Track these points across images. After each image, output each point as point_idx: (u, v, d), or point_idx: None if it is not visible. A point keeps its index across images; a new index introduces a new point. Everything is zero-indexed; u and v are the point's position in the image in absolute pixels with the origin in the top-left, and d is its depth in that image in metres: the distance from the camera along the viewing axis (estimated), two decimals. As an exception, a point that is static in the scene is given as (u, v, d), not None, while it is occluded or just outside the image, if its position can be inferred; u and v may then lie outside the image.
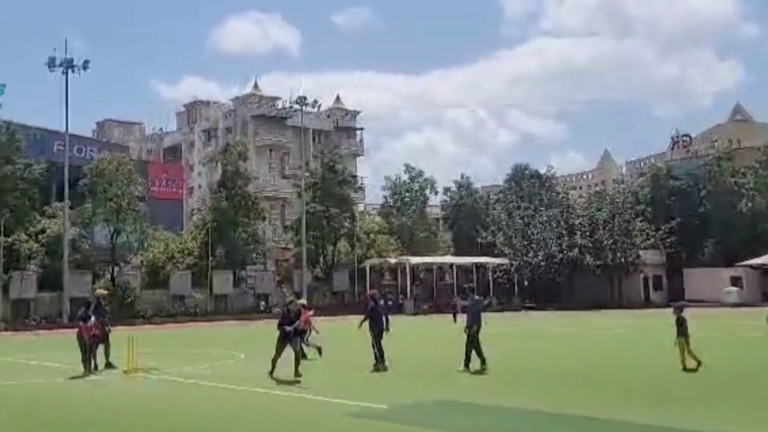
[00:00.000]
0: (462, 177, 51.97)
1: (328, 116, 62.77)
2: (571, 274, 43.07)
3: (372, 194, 59.35)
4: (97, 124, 72.87)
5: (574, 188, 75.19)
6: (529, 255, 42.87)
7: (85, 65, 32.86)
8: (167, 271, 37.23)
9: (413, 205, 48.00)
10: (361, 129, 65.20)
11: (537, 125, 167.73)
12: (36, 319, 31.27)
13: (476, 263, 43.74)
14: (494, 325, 21.25)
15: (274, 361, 11.92)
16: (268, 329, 16.57)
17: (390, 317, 16.87)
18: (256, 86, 60.94)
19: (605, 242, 41.87)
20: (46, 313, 31.82)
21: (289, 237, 46.70)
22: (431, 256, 45.32)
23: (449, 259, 45.15)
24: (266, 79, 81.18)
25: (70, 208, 33.95)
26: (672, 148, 71.61)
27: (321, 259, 43.51)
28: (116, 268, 35.90)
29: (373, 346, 12.99)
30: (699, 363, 11.70)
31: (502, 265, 43.85)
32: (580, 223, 43.33)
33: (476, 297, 13.27)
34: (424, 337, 21.84)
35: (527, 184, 49.46)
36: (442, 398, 9.73)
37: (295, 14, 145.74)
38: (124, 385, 11.89)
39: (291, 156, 58.10)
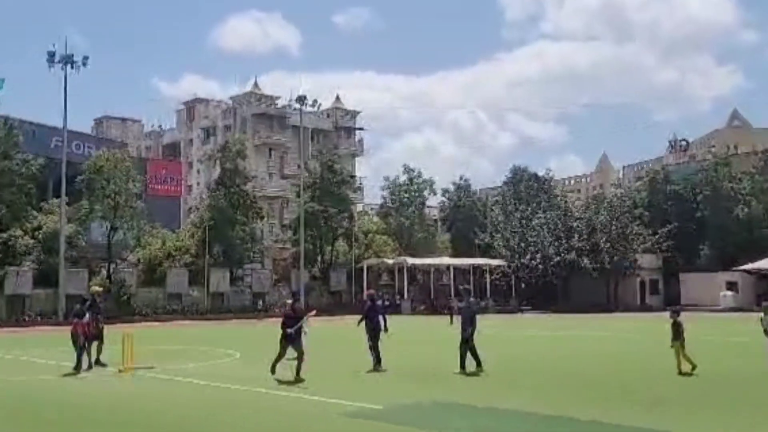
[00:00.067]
0: (460, 179, 52.08)
1: (328, 116, 62.78)
2: (568, 276, 43.13)
3: (372, 195, 59.40)
4: (96, 120, 72.71)
5: (573, 191, 75.36)
6: (527, 257, 42.92)
7: (85, 61, 32.77)
8: (164, 268, 37.16)
9: (411, 206, 48.01)
10: (361, 129, 65.28)
11: (537, 128, 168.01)
12: (31, 316, 31.17)
13: (474, 265, 43.75)
14: (491, 327, 21.26)
15: (275, 362, 11.81)
16: (264, 328, 16.56)
17: (387, 318, 16.85)
18: (255, 85, 60.91)
19: (602, 245, 41.95)
20: (41, 310, 31.72)
21: (287, 236, 46.68)
22: (429, 257, 45.33)
23: (447, 260, 45.16)
24: (266, 78, 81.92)
25: (68, 204, 33.86)
26: (670, 153, 71.83)
27: (319, 258, 43.49)
28: (113, 266, 35.81)
29: (369, 347, 12.98)
30: (694, 367, 11.73)
31: (500, 267, 43.89)
32: (578, 226, 43.40)
33: (471, 299, 13.26)
34: (421, 339, 21.82)
35: (525, 187, 49.55)
36: (438, 399, 9.72)
37: (295, 14, 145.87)
38: (119, 383, 11.85)
39: (290, 155, 58.08)
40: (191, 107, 68.22)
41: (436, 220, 53.74)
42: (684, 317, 12.45)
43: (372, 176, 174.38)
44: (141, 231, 36.77)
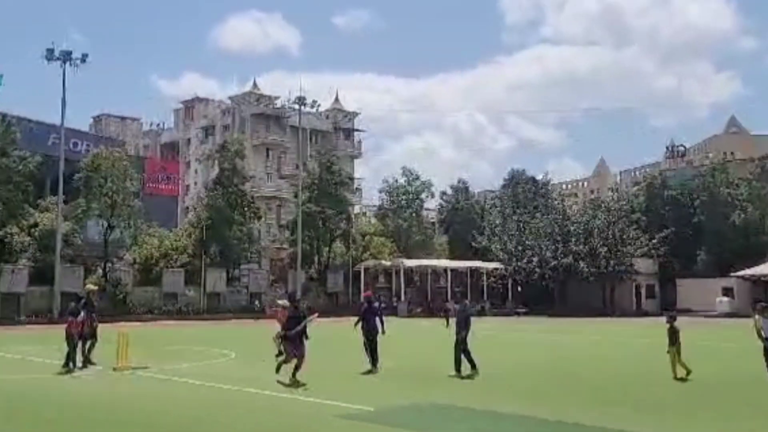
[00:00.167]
0: (459, 181, 52.11)
1: (327, 117, 62.76)
2: (565, 280, 43.18)
3: (371, 197, 59.35)
4: (94, 118, 72.57)
5: (570, 195, 75.48)
6: (524, 261, 42.95)
7: (84, 58, 32.69)
8: (160, 267, 37.06)
9: (409, 208, 48.01)
10: (359, 130, 65.29)
11: (536, 132, 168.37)
12: (26, 313, 31.02)
13: (471, 268, 43.76)
14: (487, 330, 21.26)
15: (280, 363, 11.71)
16: (260, 329, 16.52)
17: (384, 319, 16.83)
18: (255, 85, 60.89)
19: (599, 250, 42.02)
20: (36, 308, 31.58)
21: (285, 237, 46.61)
22: (426, 259, 45.32)
23: (444, 262, 45.15)
24: (265, 78, 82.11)
25: (65, 202, 33.74)
26: (667, 158, 72.03)
27: (316, 259, 43.43)
28: (109, 264, 35.69)
29: (365, 348, 12.95)
30: (688, 372, 11.74)
31: (497, 270, 43.91)
32: (575, 230, 43.48)
33: (466, 302, 13.28)
34: (417, 341, 21.81)
35: (523, 190, 49.60)
36: (433, 401, 9.70)
37: (295, 14, 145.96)
38: (115, 383, 11.79)
39: (288, 156, 58.06)
40: (190, 106, 68.15)
41: (433, 223, 53.76)
42: (680, 322, 12.47)
43: (372, 178, 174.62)
44: (138, 230, 36.66)
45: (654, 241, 43.02)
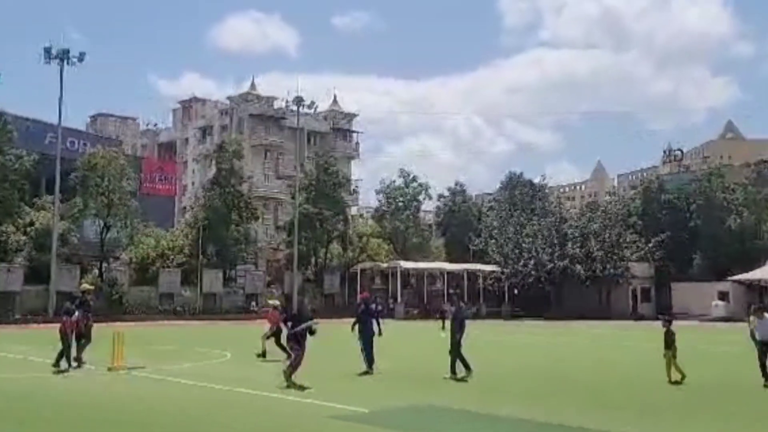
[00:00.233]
0: (456, 184, 52.17)
1: (325, 118, 62.75)
2: (561, 283, 43.23)
3: (368, 198, 59.41)
4: (91, 117, 72.50)
5: (568, 199, 75.69)
6: (520, 263, 42.99)
7: (81, 57, 32.64)
8: (157, 267, 36.97)
9: (407, 210, 48.03)
10: (357, 132, 65.31)
11: (533, 135, 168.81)
12: (21, 313, 30.88)
13: (467, 270, 43.78)
14: (483, 332, 21.27)
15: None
16: (256, 330, 16.48)
17: (381, 321, 16.83)
18: (253, 86, 60.85)
19: (596, 253, 42.10)
20: (31, 307, 31.45)
21: (282, 238, 46.55)
22: (423, 261, 45.33)
23: (440, 265, 45.17)
24: (264, 78, 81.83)
25: (61, 201, 33.64)
26: (664, 162, 72.24)
27: (312, 260, 43.38)
28: (105, 264, 35.59)
29: (362, 350, 12.95)
30: (683, 376, 11.77)
31: (493, 272, 43.93)
32: (572, 234, 43.55)
33: (461, 304, 13.29)
34: (413, 343, 21.80)
35: (520, 193, 49.67)
36: (429, 403, 9.71)
37: (294, 15, 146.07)
38: (111, 383, 11.75)
39: (286, 156, 58.03)
40: (188, 106, 68.11)
41: (430, 225, 53.76)
42: (675, 326, 12.50)
43: (371, 180, 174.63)
44: (134, 230, 36.58)
45: (650, 244, 43.14)
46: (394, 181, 48.90)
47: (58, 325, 13.55)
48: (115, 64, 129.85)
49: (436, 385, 11.56)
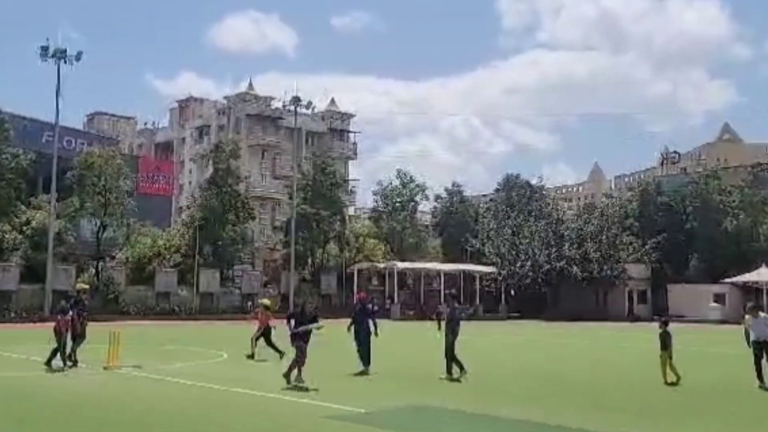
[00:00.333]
0: (453, 184, 52.22)
1: (323, 118, 62.75)
2: (558, 284, 43.32)
3: (367, 198, 59.46)
4: (88, 116, 72.33)
5: (565, 200, 75.81)
6: (517, 264, 43.06)
7: (78, 56, 32.52)
8: (153, 267, 36.88)
9: (404, 211, 48.05)
10: (355, 132, 65.35)
11: (531, 136, 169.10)
12: (17, 312, 30.78)
13: (464, 271, 43.81)
14: (480, 333, 21.28)
15: (299, 367, 11.46)
16: (253, 330, 16.46)
17: (377, 322, 16.83)
18: (250, 85, 60.85)
19: (592, 255, 42.20)
20: (27, 306, 31.34)
21: (279, 238, 46.52)
22: (420, 262, 45.35)
23: (437, 265, 45.18)
24: (262, 78, 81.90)
25: (57, 200, 33.55)
26: (661, 165, 72.52)
27: (309, 261, 43.36)
28: (101, 263, 35.50)
29: (358, 350, 12.94)
30: (678, 378, 11.80)
31: (490, 273, 43.97)
32: (569, 235, 43.64)
33: (456, 305, 13.31)
34: (409, 343, 21.81)
35: (517, 194, 49.76)
36: (424, 403, 9.71)
37: (293, 15, 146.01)
38: (104, 382, 11.72)
39: (283, 157, 58.00)
40: (185, 106, 68.04)
41: (427, 226, 53.80)
42: (671, 328, 12.54)
43: (369, 180, 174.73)
44: (131, 229, 36.49)
45: (647, 246, 43.27)
46: (391, 183, 48.98)
47: (53, 324, 13.51)
48: (112, 63, 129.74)
49: (433, 385, 11.56)
